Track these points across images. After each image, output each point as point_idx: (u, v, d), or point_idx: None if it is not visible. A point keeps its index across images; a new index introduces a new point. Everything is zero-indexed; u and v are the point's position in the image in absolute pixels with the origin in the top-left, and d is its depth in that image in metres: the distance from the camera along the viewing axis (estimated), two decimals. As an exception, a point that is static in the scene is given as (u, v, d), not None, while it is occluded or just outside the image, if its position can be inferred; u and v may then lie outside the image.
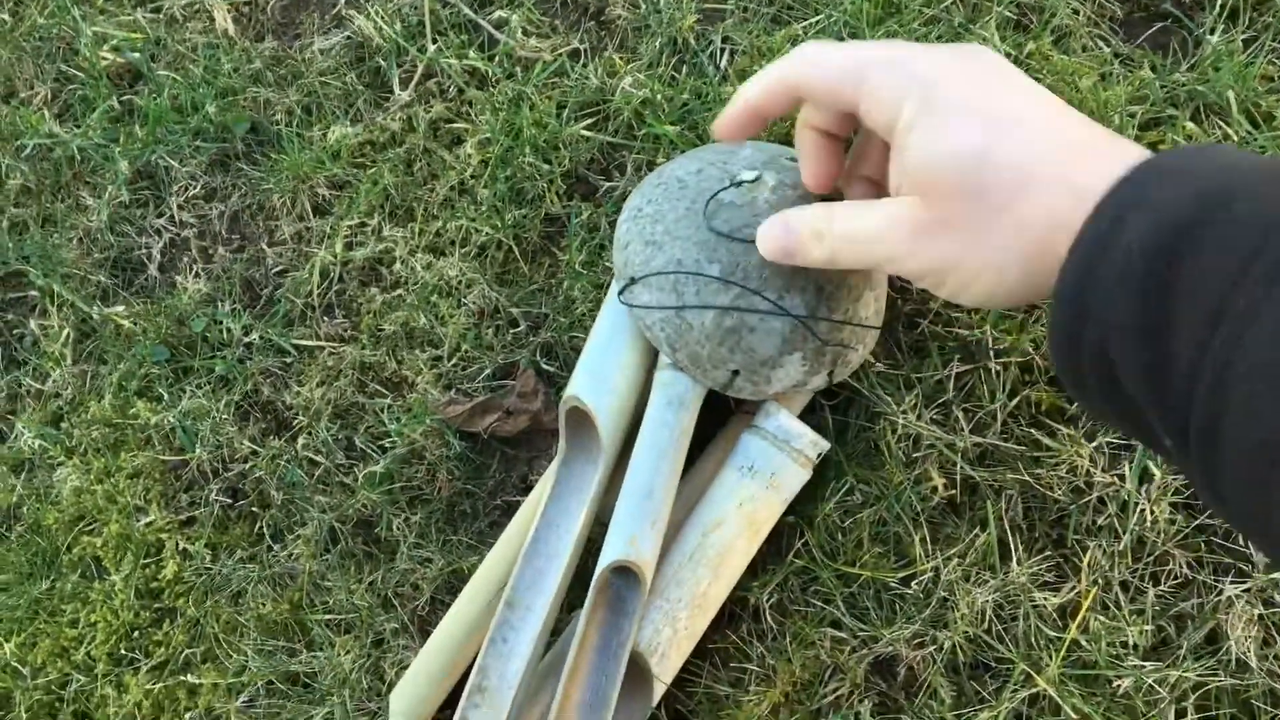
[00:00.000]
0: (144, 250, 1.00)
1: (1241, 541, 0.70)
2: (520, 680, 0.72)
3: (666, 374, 0.74)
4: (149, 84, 1.07)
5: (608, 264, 0.88)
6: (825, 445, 0.73)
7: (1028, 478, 0.73)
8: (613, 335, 0.76)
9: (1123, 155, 0.44)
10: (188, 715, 0.79)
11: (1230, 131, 0.78)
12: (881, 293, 0.75)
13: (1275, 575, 0.68)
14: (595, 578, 0.71)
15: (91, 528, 0.87)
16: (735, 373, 0.71)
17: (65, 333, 0.96)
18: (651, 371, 0.77)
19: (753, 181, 0.71)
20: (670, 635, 0.69)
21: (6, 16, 1.17)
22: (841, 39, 0.89)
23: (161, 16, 1.11)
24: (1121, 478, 0.72)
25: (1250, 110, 0.79)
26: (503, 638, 0.74)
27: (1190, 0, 0.85)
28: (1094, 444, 0.73)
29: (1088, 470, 0.72)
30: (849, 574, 0.74)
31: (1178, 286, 0.37)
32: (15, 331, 1.01)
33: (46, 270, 1.00)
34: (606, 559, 0.71)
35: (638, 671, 0.69)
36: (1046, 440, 0.74)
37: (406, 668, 0.77)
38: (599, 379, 0.74)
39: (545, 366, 0.86)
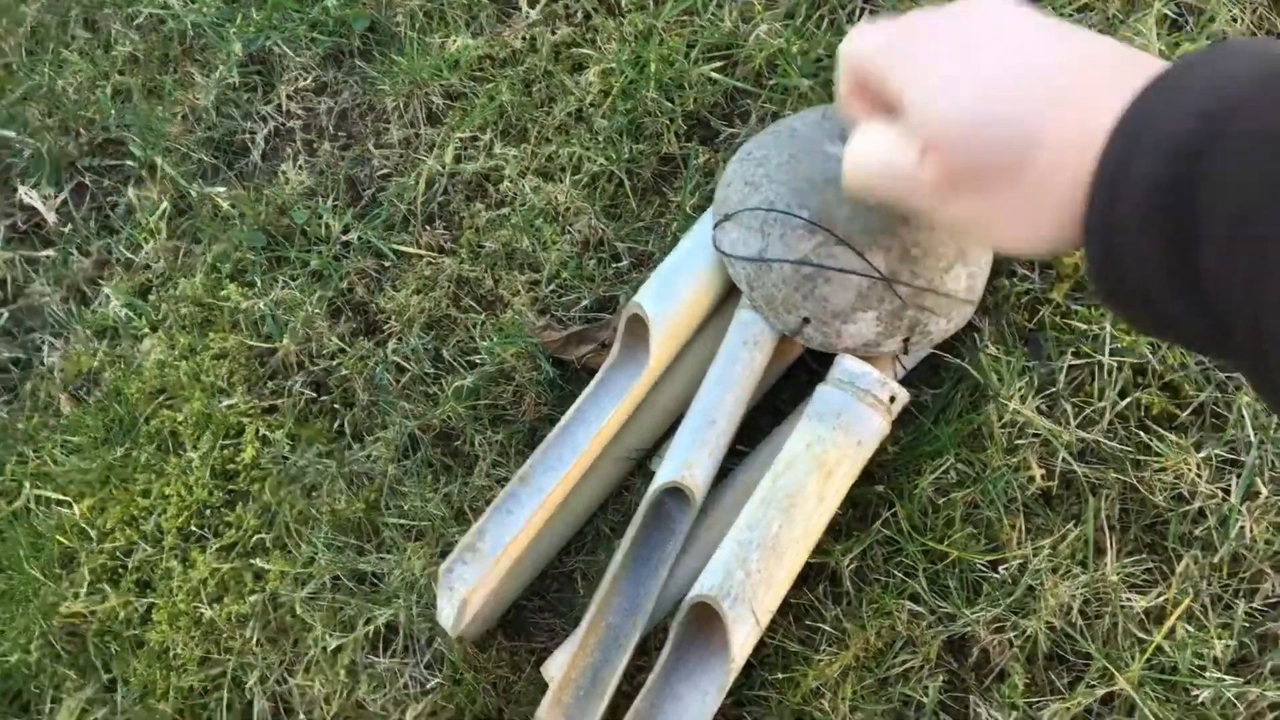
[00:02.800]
0: (248, 135, 0.99)
1: (1339, 572, 0.69)
2: (513, 550, 0.75)
3: (746, 313, 0.75)
4: (269, -31, 1.05)
5: (721, 210, 0.86)
6: (898, 388, 0.72)
7: (1131, 479, 0.72)
8: (691, 254, 0.78)
9: (1125, 80, 0.42)
10: (252, 598, 0.79)
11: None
12: (978, 270, 0.74)
13: (1371, 609, 0.68)
14: (647, 495, 0.73)
15: (172, 403, 0.87)
16: (806, 320, 0.72)
17: (163, 206, 0.96)
18: (722, 298, 0.79)
19: None
20: (743, 578, 0.69)
21: (129, -117, 1.16)
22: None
23: (288, -97, 1.09)
24: (1226, 491, 0.71)
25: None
26: (508, 509, 0.76)
27: (1353, 23, 0.83)
28: (1201, 454, 0.72)
29: (1192, 480, 0.72)
30: (935, 551, 0.74)
31: (1198, 208, 0.37)
32: (110, 199, 1.00)
33: (149, 142, 0.99)
34: (661, 479, 0.73)
35: (718, 626, 0.69)
36: (1154, 444, 0.73)
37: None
38: (665, 291, 0.76)
39: (646, 304, 0.85)
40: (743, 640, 0.68)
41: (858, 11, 0.91)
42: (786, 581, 0.71)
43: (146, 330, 0.91)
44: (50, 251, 0.98)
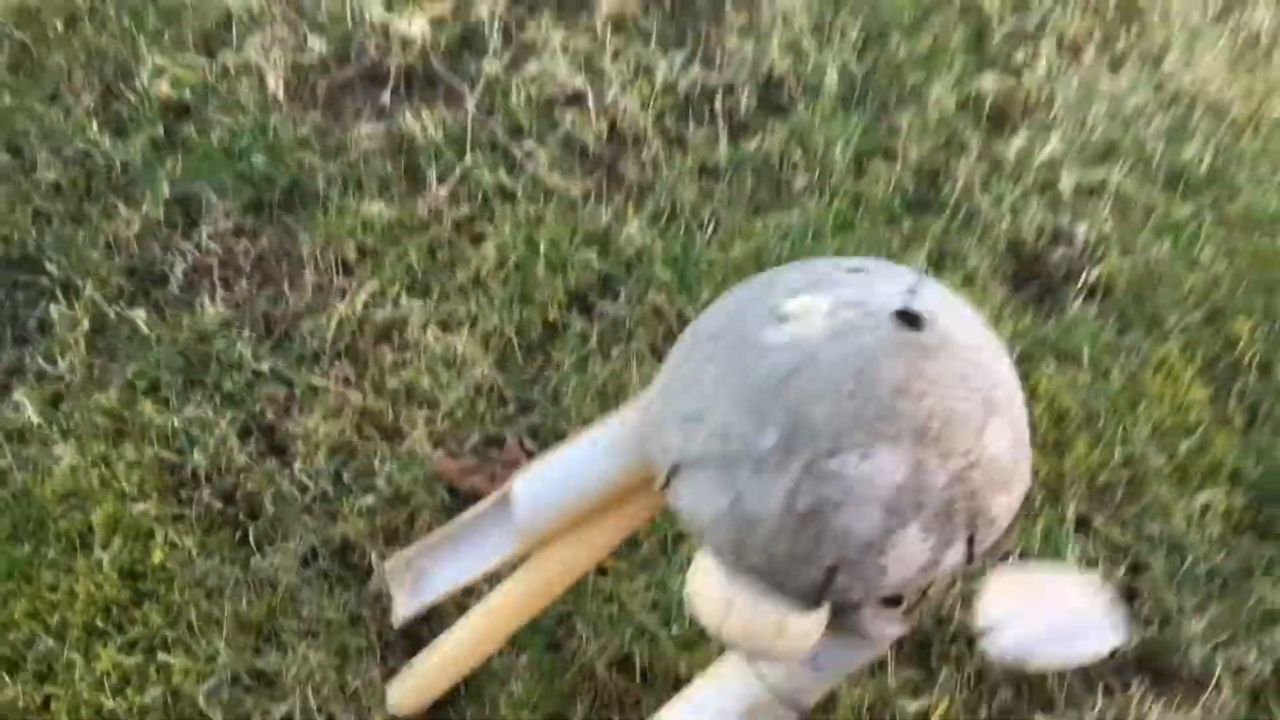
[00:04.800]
0: (168, 266, 1.09)
1: None
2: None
3: (750, 678, 0.64)
4: (197, 120, 1.18)
5: (595, 371, 1.04)
6: None
7: (906, 606, 0.94)
8: (583, 464, 0.70)
9: None
10: (154, 690, 0.85)
11: (1082, 378, 1.05)
12: (1019, 419, 0.57)
13: None
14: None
15: (82, 505, 0.94)
16: (833, 570, 0.54)
17: (83, 324, 1.04)
18: (603, 495, 0.69)
19: (800, 314, 0.57)
20: None
21: (60, 26, 1.26)
22: (805, 239, 1.12)
23: (217, 65, 1.23)
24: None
25: (1096, 363, 1.06)
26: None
27: (1061, 275, 1.14)
28: (955, 588, 0.94)
29: (950, 608, 0.93)
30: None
31: None
32: (25, 312, 1.07)
33: (72, 263, 1.07)
34: None
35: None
36: (923, 580, 0.95)
37: (371, 681, 0.88)
38: (546, 496, 0.72)
39: (528, 445, 1.01)
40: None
41: (706, 223, 1.14)
42: None
43: (57, 437, 0.98)
44: (-46, 356, 1.03)
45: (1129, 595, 0.96)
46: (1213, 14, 1.38)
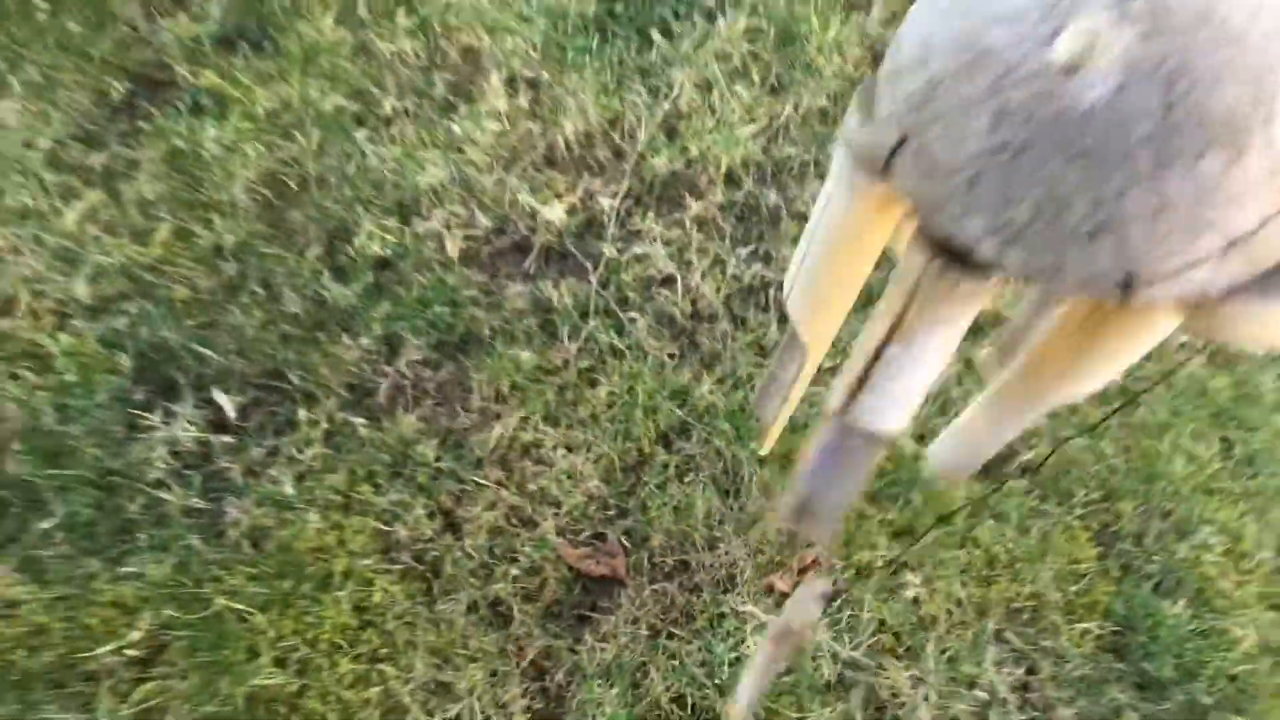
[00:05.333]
0: (375, 384, 1.54)
1: (966, 742, 1.36)
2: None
3: None
4: (397, 274, 1.63)
5: (672, 492, 1.49)
6: None
7: (873, 682, 1.38)
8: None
9: None
10: (375, 688, 1.29)
11: (1009, 533, 1.50)
12: None
13: (977, 763, 1.35)
14: None
15: (325, 557, 1.38)
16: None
17: (322, 425, 1.48)
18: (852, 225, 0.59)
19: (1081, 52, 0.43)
20: None
21: (295, 187, 1.71)
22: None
23: (411, 230, 1.69)
24: (917, 697, 1.38)
25: (1020, 523, 1.51)
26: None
27: (1001, 456, 1.59)
28: (907, 674, 1.39)
29: (900, 689, 1.38)
30: None
31: None
32: (280, 408, 1.51)
33: (310, 376, 1.52)
34: None
35: None
36: (887, 665, 1.39)
37: (513, 696, 1.32)
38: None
39: (624, 541, 1.46)
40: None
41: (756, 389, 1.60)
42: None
43: (302, 505, 1.42)
44: (228, 437, 1.48)
45: (1024, 687, 1.41)
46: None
